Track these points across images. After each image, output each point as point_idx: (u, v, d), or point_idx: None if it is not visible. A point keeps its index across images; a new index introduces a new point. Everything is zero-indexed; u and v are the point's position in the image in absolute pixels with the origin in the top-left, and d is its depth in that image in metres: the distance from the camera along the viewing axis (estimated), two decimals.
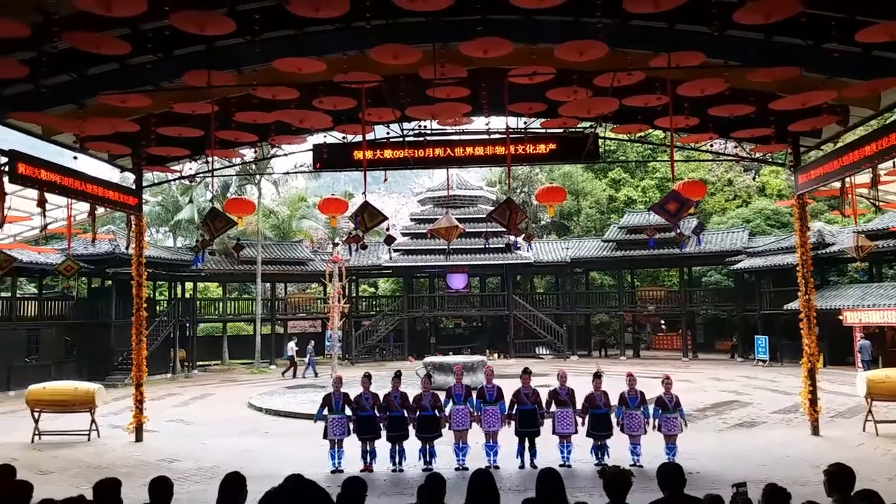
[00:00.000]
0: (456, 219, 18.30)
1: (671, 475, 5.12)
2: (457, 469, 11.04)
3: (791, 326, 23.70)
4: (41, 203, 11.92)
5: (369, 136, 13.50)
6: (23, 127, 11.74)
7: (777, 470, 10.45)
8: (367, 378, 11.91)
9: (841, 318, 26.17)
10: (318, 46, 10.14)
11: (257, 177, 33.68)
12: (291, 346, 31.66)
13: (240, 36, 9.78)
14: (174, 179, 20.61)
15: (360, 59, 10.52)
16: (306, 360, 29.84)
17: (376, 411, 11.57)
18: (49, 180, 11.76)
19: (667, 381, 11.63)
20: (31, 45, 8.84)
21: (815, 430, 14.02)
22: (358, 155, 14.23)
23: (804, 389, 14.33)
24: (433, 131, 14.55)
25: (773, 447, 12.96)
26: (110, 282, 29.64)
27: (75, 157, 12.89)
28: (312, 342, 31.63)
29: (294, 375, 29.62)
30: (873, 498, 5.33)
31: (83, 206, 14.76)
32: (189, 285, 35.39)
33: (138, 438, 14.72)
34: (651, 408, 11.56)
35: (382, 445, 11.71)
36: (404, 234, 36.06)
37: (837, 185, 13.77)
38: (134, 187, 15.30)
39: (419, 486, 4.90)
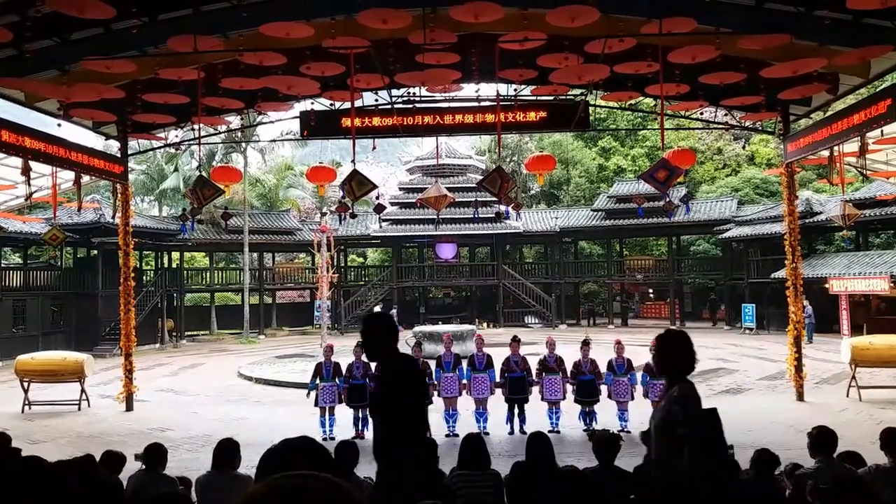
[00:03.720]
0: (445, 188, 18.24)
1: None
2: (447, 436, 11.15)
3: (778, 295, 23.91)
4: (25, 171, 11.76)
5: (357, 104, 13.37)
6: (5, 93, 11.54)
7: (763, 435, 10.61)
8: (360, 347, 11.95)
9: (827, 286, 26.44)
10: (306, 9, 9.98)
11: (243, 145, 33.35)
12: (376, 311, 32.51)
13: (226, 0, 9.62)
14: (160, 147, 20.37)
15: (348, 23, 10.38)
16: None
17: (368, 380, 11.65)
18: (33, 148, 11.61)
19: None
20: (15, 8, 8.65)
21: (801, 396, 14.24)
22: (346, 122, 14.10)
23: (790, 356, 14.53)
24: (422, 98, 14.43)
25: (759, 413, 13.16)
26: (96, 251, 29.43)
27: (59, 125, 12.70)
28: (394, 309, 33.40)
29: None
30: (856, 460, 5.45)
31: (68, 175, 14.59)
32: (176, 255, 35.18)
33: (129, 408, 14.75)
34: (639, 375, 11.70)
35: None
36: (393, 204, 35.90)
37: (826, 153, 13.81)
38: (119, 155, 15.13)
39: None
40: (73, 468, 3.73)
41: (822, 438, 5.17)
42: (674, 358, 3.76)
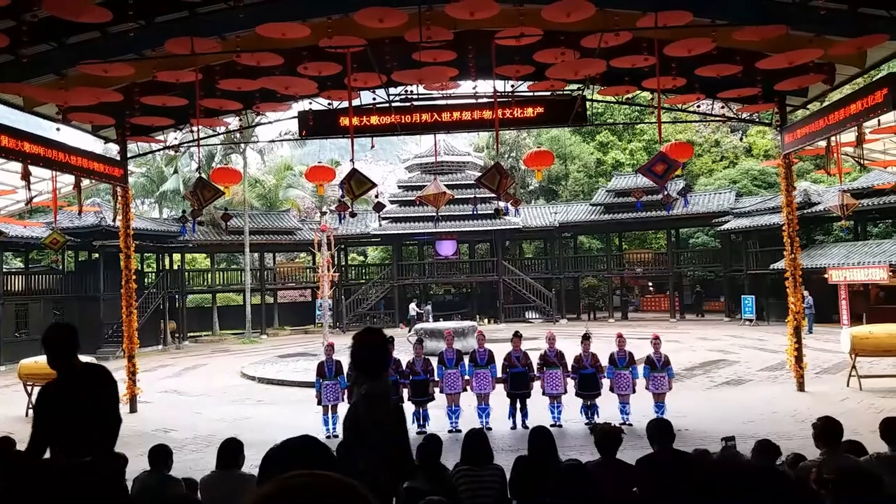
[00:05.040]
0: (444, 185, 18.27)
1: (660, 430, 5.23)
2: (450, 431, 11.20)
3: (777, 286, 23.96)
4: (25, 176, 11.78)
5: (355, 103, 13.39)
6: (3, 98, 11.56)
7: (764, 426, 10.67)
8: None
9: (826, 276, 26.47)
10: (302, 10, 10.00)
11: (242, 146, 33.35)
12: (413, 308, 33.95)
13: (223, 1, 9.63)
14: (159, 150, 20.38)
15: (344, 22, 10.39)
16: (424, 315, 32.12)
17: None
18: (33, 152, 11.63)
19: (656, 341, 11.79)
20: (11, 13, 8.67)
21: (801, 387, 14.28)
22: (344, 121, 14.12)
23: (790, 347, 14.56)
24: (420, 96, 14.44)
25: (760, 404, 13.21)
26: (97, 254, 29.44)
27: (58, 129, 12.73)
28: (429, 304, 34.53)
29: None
30: (857, 448, 5.48)
31: (68, 179, 14.62)
32: (177, 257, 35.20)
33: (132, 409, 14.79)
34: (641, 367, 11.75)
35: None
36: (392, 202, 35.90)
37: (823, 144, 13.82)
38: (119, 158, 15.15)
39: (417, 445, 4.98)
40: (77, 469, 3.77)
41: (827, 429, 5.17)
42: (365, 356, 3.81)
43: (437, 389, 11.83)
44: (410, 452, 3.76)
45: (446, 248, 37.36)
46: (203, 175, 13.53)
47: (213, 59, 11.28)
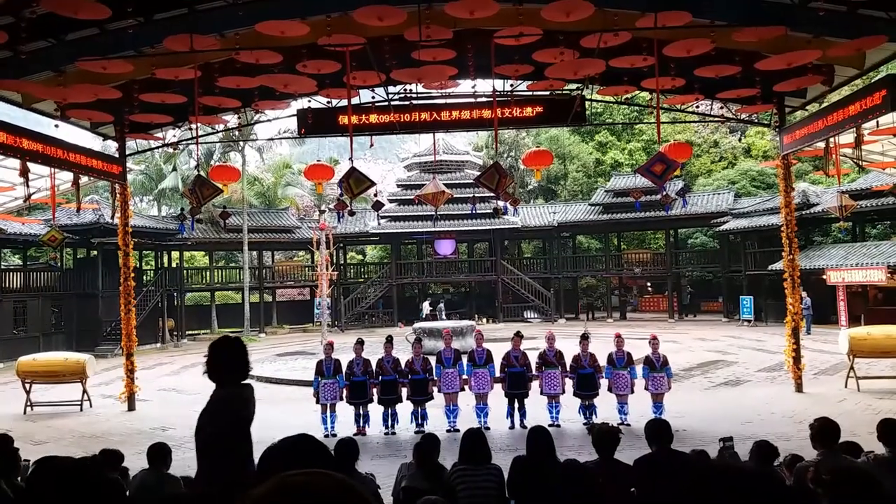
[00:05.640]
0: (443, 184, 18.27)
1: (659, 430, 5.23)
2: (448, 431, 11.20)
3: (776, 287, 23.96)
4: (24, 173, 11.76)
5: (354, 101, 13.38)
6: (2, 95, 11.54)
7: (762, 426, 10.68)
8: (360, 344, 12.02)
9: (825, 277, 26.48)
10: (302, 8, 9.99)
11: (241, 144, 33.32)
12: (426, 306, 33.92)
13: None
14: (158, 147, 20.36)
15: (344, 20, 10.38)
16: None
17: (368, 377, 11.70)
18: (31, 149, 11.61)
19: (654, 341, 11.80)
20: (9, 10, 8.66)
21: (799, 388, 14.29)
22: (343, 120, 14.10)
23: (788, 348, 14.58)
24: (419, 95, 14.43)
25: (758, 404, 13.22)
26: (96, 252, 29.41)
27: (57, 126, 12.72)
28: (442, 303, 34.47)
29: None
30: (854, 449, 5.47)
31: (66, 176, 14.60)
32: (175, 254, 35.18)
33: (131, 408, 14.78)
34: (639, 368, 11.76)
35: (375, 409, 11.85)
36: (391, 201, 35.89)
37: (822, 145, 13.83)
38: (117, 155, 15.13)
39: (415, 444, 4.98)
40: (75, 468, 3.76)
41: (824, 430, 5.17)
42: (218, 362, 3.83)
43: (435, 389, 11.84)
44: (248, 466, 3.62)
45: (445, 248, 37.35)
46: (202, 173, 13.52)
47: (212, 57, 11.26)
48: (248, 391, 3.81)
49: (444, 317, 31.06)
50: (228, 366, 3.81)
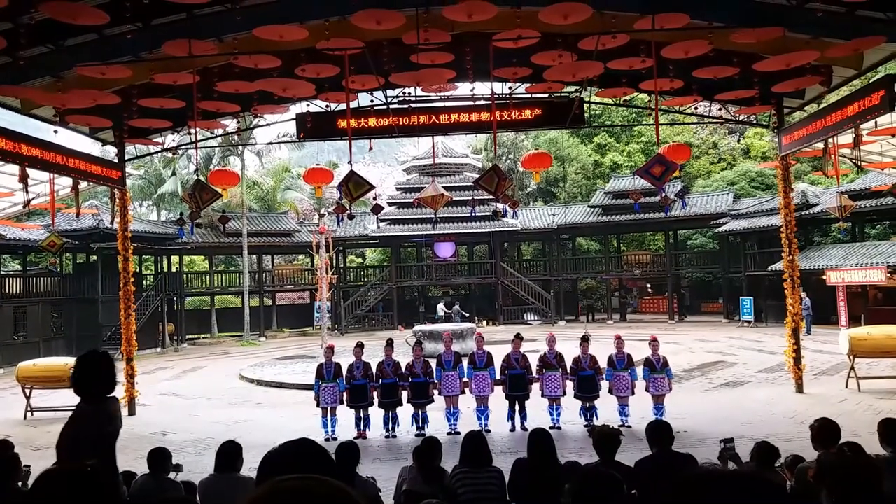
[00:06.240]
0: (442, 187, 18.25)
1: (659, 432, 5.23)
2: (448, 434, 11.19)
3: (776, 287, 23.96)
4: (23, 178, 11.77)
5: (353, 105, 13.39)
6: (1, 101, 11.56)
7: (762, 427, 10.67)
8: (360, 347, 12.02)
9: (824, 278, 26.49)
10: (300, 12, 10.00)
11: (240, 148, 33.34)
12: (441, 308, 33.41)
13: (220, 4, 9.63)
14: (157, 152, 20.37)
15: (342, 24, 10.39)
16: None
17: (368, 381, 11.69)
18: (30, 155, 11.61)
19: (654, 343, 11.79)
20: (8, 15, 8.67)
21: (800, 388, 14.28)
22: (342, 123, 14.09)
23: (788, 348, 14.57)
24: (418, 98, 14.45)
25: (759, 405, 13.22)
26: (96, 257, 29.41)
27: (56, 131, 12.72)
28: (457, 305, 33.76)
29: None
30: (855, 450, 5.47)
31: (66, 181, 14.61)
32: (175, 259, 35.20)
33: (131, 412, 14.76)
34: (640, 369, 11.76)
35: (376, 413, 11.85)
36: (390, 204, 35.91)
37: (820, 145, 13.84)
38: (116, 160, 15.14)
39: (415, 448, 4.98)
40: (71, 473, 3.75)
41: (825, 430, 5.17)
42: (86, 377, 3.79)
43: (436, 392, 11.83)
44: (106, 482, 3.62)
45: (445, 250, 37.36)
46: (201, 177, 13.52)
47: (210, 62, 11.28)
48: (113, 405, 3.77)
49: (458, 319, 30.66)
50: (96, 380, 3.75)
